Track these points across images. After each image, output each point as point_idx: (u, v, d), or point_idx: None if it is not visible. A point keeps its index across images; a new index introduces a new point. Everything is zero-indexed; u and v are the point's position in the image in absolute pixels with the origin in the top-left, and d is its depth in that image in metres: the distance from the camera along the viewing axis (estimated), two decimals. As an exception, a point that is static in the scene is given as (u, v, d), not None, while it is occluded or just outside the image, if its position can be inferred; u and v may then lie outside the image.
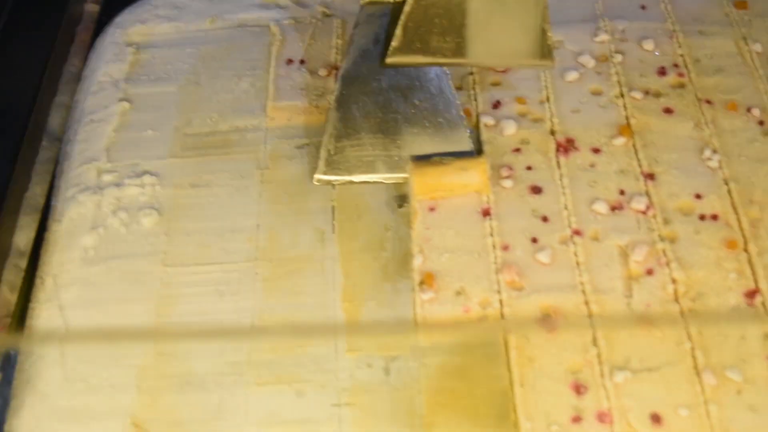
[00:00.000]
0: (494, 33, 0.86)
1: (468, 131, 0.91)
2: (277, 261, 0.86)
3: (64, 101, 1.04)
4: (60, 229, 0.90)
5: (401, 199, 0.90)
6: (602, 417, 0.75)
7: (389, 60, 0.87)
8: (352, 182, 0.90)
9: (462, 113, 0.92)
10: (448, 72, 0.94)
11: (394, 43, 0.85)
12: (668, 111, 0.95)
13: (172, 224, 0.89)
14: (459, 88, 0.97)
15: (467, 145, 0.90)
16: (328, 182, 0.91)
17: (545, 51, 0.87)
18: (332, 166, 0.90)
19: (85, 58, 1.07)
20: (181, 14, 1.08)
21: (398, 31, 0.85)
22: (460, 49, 0.86)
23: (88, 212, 0.90)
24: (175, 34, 1.06)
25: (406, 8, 0.85)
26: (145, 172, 0.93)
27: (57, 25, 1.10)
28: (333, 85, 0.98)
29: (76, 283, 0.86)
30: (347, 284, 0.85)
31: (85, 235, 0.89)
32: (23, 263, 0.92)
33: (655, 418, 0.75)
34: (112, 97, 1.00)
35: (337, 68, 1.00)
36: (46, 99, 1.04)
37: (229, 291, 0.85)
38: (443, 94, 0.92)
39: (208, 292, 0.85)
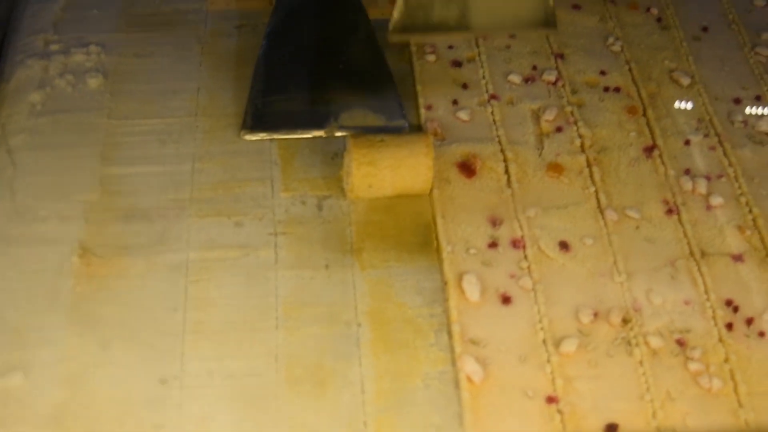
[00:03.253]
0: (496, 0, 0.88)
1: (394, 92, 0.92)
2: (217, 117, 0.93)
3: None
4: (8, 88, 0.95)
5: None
6: (516, 243, 0.83)
7: (393, 34, 0.86)
8: (279, 139, 0.90)
9: (389, 70, 0.93)
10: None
11: (395, 15, 0.84)
12: (576, 7, 1.05)
13: (116, 86, 0.95)
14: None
15: (395, 101, 0.92)
16: (257, 140, 0.90)
17: (548, 17, 0.89)
18: (260, 123, 0.90)
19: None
20: None
21: (399, 2, 0.84)
22: (463, 18, 0.87)
23: (35, 74, 0.95)
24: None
25: None
26: (91, 43, 0.98)
27: None
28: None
29: (24, 132, 0.90)
30: (282, 136, 0.91)
31: (33, 92, 0.94)
32: (-32, 125, 0.96)
33: (563, 245, 0.83)
34: (57, -19, 1.05)
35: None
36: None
37: (170, 140, 0.90)
38: (372, 50, 0.95)
39: (150, 141, 0.90)
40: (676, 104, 0.95)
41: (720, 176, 0.88)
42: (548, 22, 0.89)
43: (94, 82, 0.94)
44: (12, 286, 0.79)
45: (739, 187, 0.87)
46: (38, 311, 0.78)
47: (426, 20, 0.87)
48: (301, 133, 0.90)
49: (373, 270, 0.81)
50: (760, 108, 0.94)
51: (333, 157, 0.89)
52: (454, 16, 0.88)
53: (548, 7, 0.89)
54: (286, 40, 0.96)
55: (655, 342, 0.76)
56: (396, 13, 0.87)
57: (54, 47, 0.98)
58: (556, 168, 0.88)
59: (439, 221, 0.84)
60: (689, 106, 0.94)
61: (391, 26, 0.88)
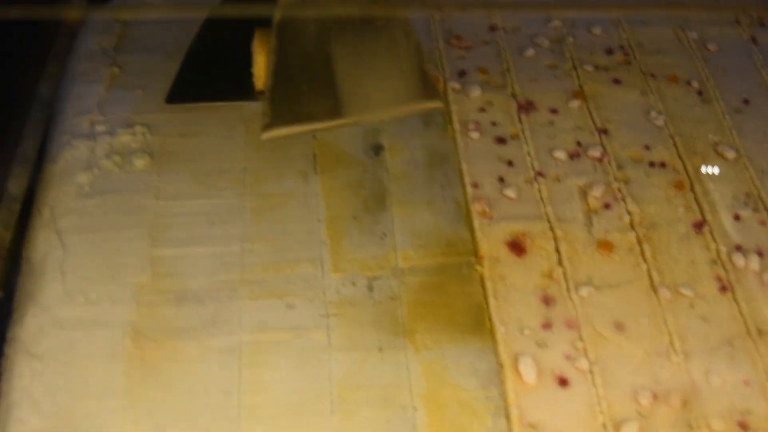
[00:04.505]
0: (368, 85, 0.87)
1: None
2: (264, 196, 0.93)
3: (52, 72, 1.10)
4: (55, 169, 0.95)
5: (377, 148, 0.97)
6: (570, 323, 0.82)
7: (265, 137, 0.88)
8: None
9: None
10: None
11: (265, 120, 0.86)
12: (617, 81, 1.05)
13: (163, 166, 0.95)
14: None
15: (432, 96, 0.90)
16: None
17: (430, 91, 0.88)
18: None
19: (73, 35, 1.13)
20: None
21: (266, 107, 0.86)
22: (336, 109, 0.87)
23: (82, 155, 0.96)
24: (158, 13, 1.13)
25: (268, 82, 0.85)
26: (136, 123, 0.99)
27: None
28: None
29: (72, 213, 0.90)
30: (330, 215, 0.91)
31: (80, 173, 0.94)
32: (15, 206, 0.96)
33: (619, 326, 0.82)
34: (102, 63, 1.06)
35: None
36: (35, 69, 1.09)
37: (219, 220, 0.90)
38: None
39: (199, 222, 0.90)
40: (723, 178, 0.94)
41: (771, 252, 0.88)
42: (431, 95, 0.89)
43: (140, 162, 0.95)
44: (65, 370, 0.79)
45: (792, 263, 0.87)
46: (92, 396, 0.77)
47: (297, 115, 0.88)
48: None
49: (427, 351, 0.81)
50: (807, 181, 0.94)
51: (382, 237, 0.89)
52: (325, 110, 0.88)
53: (427, 81, 0.87)
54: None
55: (716, 425, 0.75)
56: (266, 119, 0.89)
57: (100, 128, 0.98)
58: (606, 245, 0.88)
59: (492, 301, 0.84)
60: (736, 180, 0.94)
61: (261, 127, 0.89)
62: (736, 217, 0.91)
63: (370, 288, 0.85)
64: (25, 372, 0.79)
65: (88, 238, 0.89)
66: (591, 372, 0.79)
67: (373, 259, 0.87)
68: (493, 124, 0.99)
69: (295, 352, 0.80)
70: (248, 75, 0.94)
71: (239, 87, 0.93)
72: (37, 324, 0.82)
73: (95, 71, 1.06)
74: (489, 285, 0.85)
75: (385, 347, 0.81)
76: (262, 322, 0.83)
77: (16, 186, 0.98)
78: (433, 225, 0.90)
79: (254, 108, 1.01)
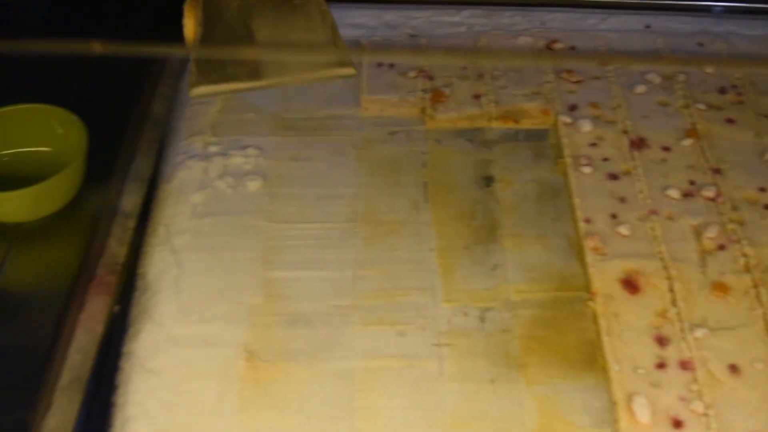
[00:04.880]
0: (285, 54, 0.93)
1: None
2: (375, 223, 0.93)
3: (165, 92, 1.12)
4: (170, 188, 0.97)
5: (488, 179, 0.97)
6: (685, 365, 0.81)
7: (192, 94, 0.93)
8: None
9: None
10: None
11: (191, 78, 0.91)
12: (730, 121, 1.04)
13: (275, 189, 0.96)
14: (536, 93, 1.06)
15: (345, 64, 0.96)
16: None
17: (342, 59, 0.94)
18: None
19: (185, 56, 1.15)
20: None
21: (192, 67, 0.91)
22: (256, 72, 0.92)
23: (196, 175, 0.97)
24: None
25: (194, 44, 0.91)
26: (249, 146, 1.00)
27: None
28: (421, 84, 1.07)
29: (187, 232, 0.92)
30: (441, 245, 0.91)
31: (194, 193, 0.95)
32: (129, 223, 0.98)
33: (734, 369, 0.81)
34: (214, 85, 1.08)
35: (424, 72, 1.09)
36: (149, 89, 1.12)
37: (331, 245, 0.91)
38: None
39: (311, 245, 0.91)
40: (841, 225, 0.93)
41: None
42: (343, 63, 0.94)
43: (253, 184, 0.96)
44: (180, 386, 0.80)
45: None
46: (206, 413, 0.78)
47: (221, 78, 0.93)
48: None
49: (539, 386, 0.80)
50: None
51: (493, 268, 0.89)
52: (247, 72, 0.92)
53: (340, 49, 0.93)
54: None
55: (838, 475, 0.73)
56: (192, 78, 0.93)
57: (213, 149, 1.00)
58: (721, 287, 0.87)
59: (605, 339, 0.83)
60: None
61: (189, 85, 0.94)
62: None
63: (482, 319, 0.85)
64: (141, 387, 0.80)
65: (202, 257, 0.90)
66: (706, 415, 0.78)
67: (485, 291, 0.87)
68: (605, 159, 0.99)
69: (407, 381, 0.80)
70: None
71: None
72: (153, 340, 0.83)
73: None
74: (602, 322, 0.84)
75: (497, 379, 0.81)
76: (374, 349, 0.83)
77: (129, 203, 1.00)
78: (546, 259, 0.90)
79: (365, 134, 1.02)
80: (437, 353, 0.82)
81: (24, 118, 0.95)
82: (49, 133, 0.96)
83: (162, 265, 0.89)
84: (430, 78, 1.09)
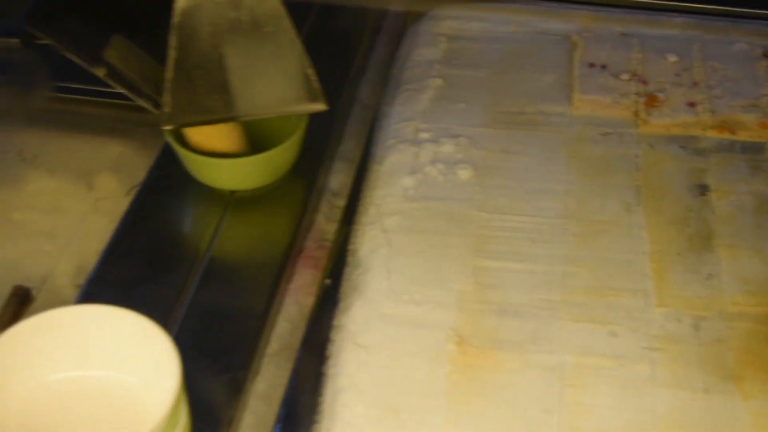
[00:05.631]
0: (258, 85, 0.90)
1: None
2: (586, 221, 0.92)
3: (372, 77, 1.14)
4: (381, 170, 0.98)
5: (703, 187, 0.95)
6: None
7: (165, 126, 0.90)
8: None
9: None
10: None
11: (165, 109, 0.88)
12: None
13: (485, 180, 0.96)
14: (754, 105, 1.03)
15: (316, 99, 0.92)
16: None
17: (313, 94, 0.91)
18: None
19: (395, 45, 1.17)
20: (487, 17, 1.18)
21: (167, 98, 0.87)
22: (229, 105, 0.89)
23: (407, 159, 0.98)
24: (482, 33, 1.16)
25: (168, 74, 0.87)
26: (459, 135, 1.01)
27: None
28: (634, 88, 1.06)
29: (397, 213, 0.93)
30: (654, 249, 0.90)
31: (405, 177, 0.96)
32: (338, 201, 1.00)
33: None
34: (426, 74, 1.09)
35: (637, 75, 1.08)
36: (357, 74, 1.14)
37: (540, 239, 0.91)
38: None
39: (520, 238, 0.91)
40: None
41: None
42: (314, 98, 0.91)
43: (464, 173, 0.96)
44: (390, 364, 0.80)
45: None
46: (415, 393, 0.78)
47: (195, 110, 0.89)
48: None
49: (755, 401, 0.78)
50: None
51: (707, 278, 0.87)
52: (220, 105, 0.89)
53: (311, 86, 0.90)
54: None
55: None
56: (167, 108, 0.88)
57: (424, 135, 1.01)
58: None
59: (825, 358, 0.80)
60: None
61: (162, 120, 0.90)
62: None
63: (696, 327, 0.83)
64: (351, 360, 0.81)
65: (412, 239, 0.91)
66: None
67: (699, 299, 0.85)
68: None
69: (618, 381, 0.79)
70: None
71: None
72: (364, 316, 0.84)
73: (419, 81, 1.09)
74: (821, 342, 0.81)
75: (711, 390, 0.79)
76: (585, 346, 0.82)
77: (337, 182, 1.02)
78: (764, 273, 0.87)
79: (576, 132, 1.02)
80: (649, 357, 0.81)
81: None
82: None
83: (373, 244, 0.90)
84: (644, 82, 1.08)
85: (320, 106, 0.92)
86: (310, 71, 0.90)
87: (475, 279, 0.87)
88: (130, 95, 0.92)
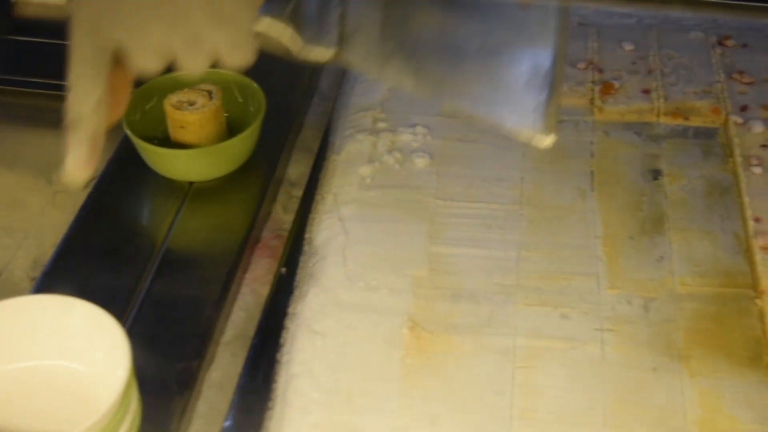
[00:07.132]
0: (483, 80, 0.71)
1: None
2: (541, 207, 0.93)
3: (332, 68, 1.14)
4: (339, 159, 0.99)
5: (655, 172, 0.97)
6: None
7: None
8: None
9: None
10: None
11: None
12: None
13: (442, 168, 0.97)
14: (707, 92, 1.05)
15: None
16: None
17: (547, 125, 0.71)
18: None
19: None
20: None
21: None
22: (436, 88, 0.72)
23: (365, 149, 0.99)
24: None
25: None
26: (417, 124, 1.02)
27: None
28: (590, 76, 1.07)
29: (354, 202, 0.94)
30: (607, 233, 0.91)
31: (363, 166, 0.97)
32: (295, 191, 1.01)
33: None
34: (384, 64, 1.10)
35: (593, 64, 1.09)
36: (316, 64, 1.14)
37: (496, 225, 0.92)
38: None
39: (476, 224, 0.92)
40: None
41: None
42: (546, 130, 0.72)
43: (420, 161, 0.97)
44: (344, 350, 0.81)
45: None
46: (370, 378, 0.79)
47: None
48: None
49: (702, 378, 0.79)
50: None
51: (658, 260, 0.88)
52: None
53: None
54: None
55: None
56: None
57: (382, 125, 1.02)
58: None
59: (773, 338, 0.81)
60: None
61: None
62: None
63: (646, 309, 0.85)
64: (306, 347, 0.82)
65: (369, 227, 0.92)
66: None
67: (650, 281, 0.87)
68: (777, 162, 0.97)
69: (569, 362, 0.80)
70: None
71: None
72: (319, 303, 0.85)
73: (377, 72, 1.10)
74: (769, 321, 0.83)
75: (659, 368, 0.80)
76: (537, 329, 0.83)
77: (295, 172, 1.03)
78: (712, 255, 0.89)
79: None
80: (600, 338, 0.82)
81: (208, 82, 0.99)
82: (231, 100, 0.99)
83: (329, 233, 0.91)
84: (600, 71, 1.09)
85: (545, 141, 0.71)
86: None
87: (431, 265, 0.88)
88: None
